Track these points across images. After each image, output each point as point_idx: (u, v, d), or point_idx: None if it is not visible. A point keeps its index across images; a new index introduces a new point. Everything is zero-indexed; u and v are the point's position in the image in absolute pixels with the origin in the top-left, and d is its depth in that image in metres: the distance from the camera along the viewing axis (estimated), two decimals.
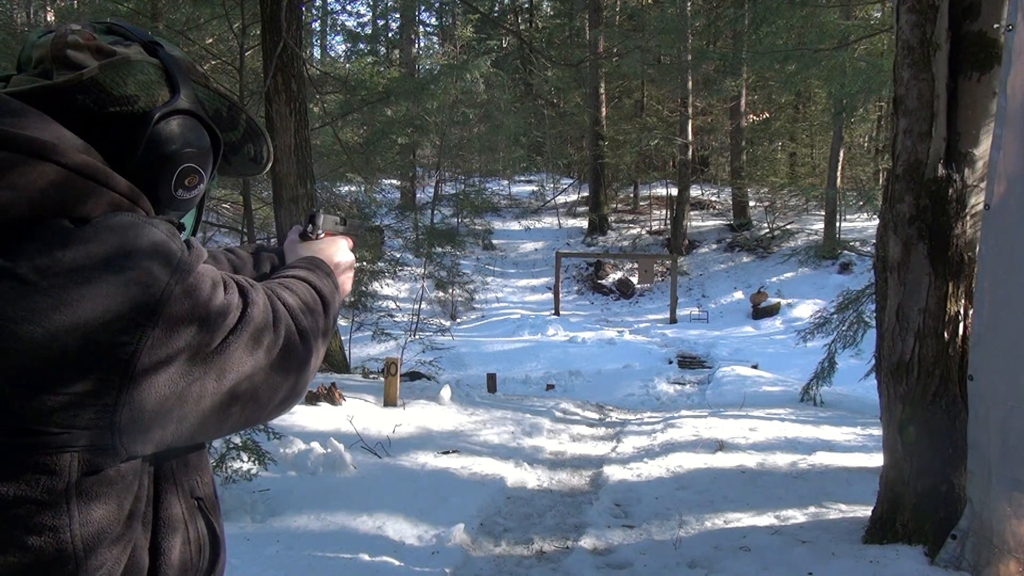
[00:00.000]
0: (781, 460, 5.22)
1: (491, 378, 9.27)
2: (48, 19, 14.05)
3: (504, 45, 25.28)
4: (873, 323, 4.96)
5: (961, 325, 3.22)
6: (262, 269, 1.22)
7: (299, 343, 0.94)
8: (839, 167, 16.68)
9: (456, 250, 15.46)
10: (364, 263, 11.76)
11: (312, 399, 6.37)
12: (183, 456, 0.93)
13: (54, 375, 0.73)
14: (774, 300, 15.39)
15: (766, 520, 3.98)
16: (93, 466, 0.77)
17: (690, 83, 18.88)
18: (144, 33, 0.93)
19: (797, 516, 4.00)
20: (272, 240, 10.79)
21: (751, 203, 20.59)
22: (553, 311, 15.97)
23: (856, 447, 5.60)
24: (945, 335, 3.23)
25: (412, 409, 6.81)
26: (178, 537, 0.90)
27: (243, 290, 0.88)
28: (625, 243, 20.12)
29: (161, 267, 0.79)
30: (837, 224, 17.22)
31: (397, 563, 3.52)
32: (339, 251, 1.21)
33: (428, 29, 28.87)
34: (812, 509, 4.10)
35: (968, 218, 3.17)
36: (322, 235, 1.22)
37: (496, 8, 26.63)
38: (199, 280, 0.82)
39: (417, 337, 12.29)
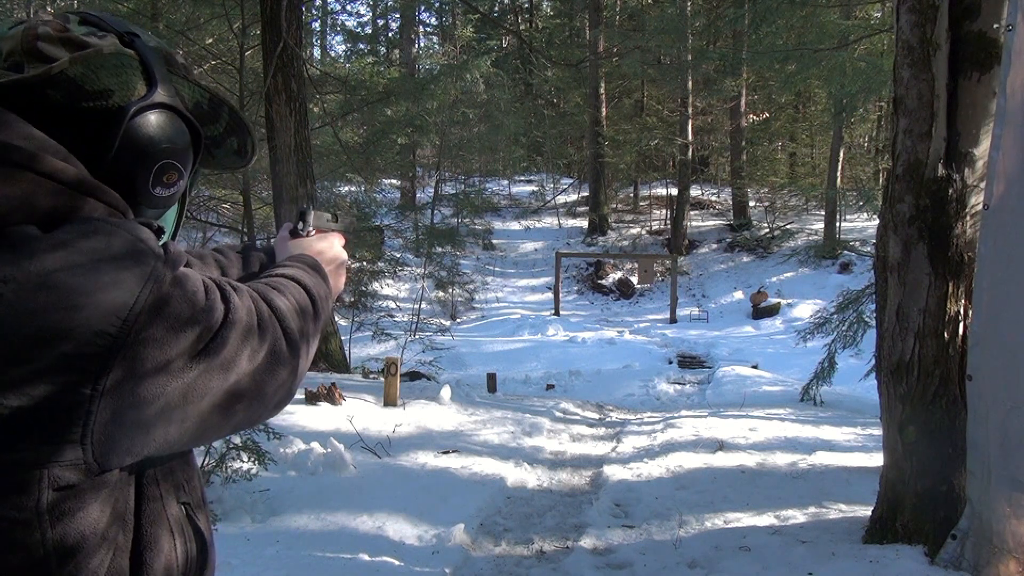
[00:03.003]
0: (781, 460, 5.22)
1: (491, 378, 9.26)
2: None
3: (504, 45, 25.32)
4: (873, 323, 4.96)
5: (961, 325, 3.22)
6: (250, 268, 1.19)
7: (286, 343, 0.91)
8: (839, 167, 16.68)
9: (456, 250, 15.48)
10: (364, 263, 11.75)
11: (312, 399, 6.37)
12: (167, 461, 0.90)
13: (22, 389, 0.70)
14: (774, 300, 15.39)
15: (766, 520, 3.98)
16: (66, 480, 0.73)
17: (690, 83, 18.89)
18: (121, 23, 0.89)
19: (797, 516, 4.00)
20: (271, 240, 10.76)
21: (751, 203, 20.59)
22: (553, 311, 15.97)
23: (856, 447, 5.60)
24: (945, 335, 3.23)
25: (412, 409, 6.80)
26: (164, 542, 0.87)
27: (224, 293, 0.85)
28: (625, 243, 20.12)
29: (136, 273, 0.75)
30: (837, 224, 17.22)
31: (397, 563, 3.52)
32: (330, 248, 1.17)
33: (428, 29, 28.93)
34: (812, 509, 4.10)
35: (968, 218, 3.17)
36: (312, 232, 1.19)
37: (496, 8, 26.63)
38: (177, 285, 0.79)
39: (417, 337, 12.27)
